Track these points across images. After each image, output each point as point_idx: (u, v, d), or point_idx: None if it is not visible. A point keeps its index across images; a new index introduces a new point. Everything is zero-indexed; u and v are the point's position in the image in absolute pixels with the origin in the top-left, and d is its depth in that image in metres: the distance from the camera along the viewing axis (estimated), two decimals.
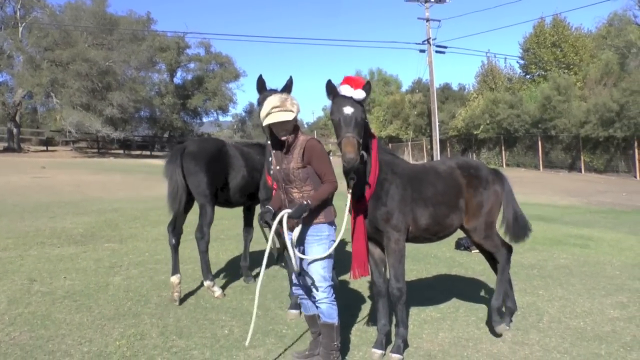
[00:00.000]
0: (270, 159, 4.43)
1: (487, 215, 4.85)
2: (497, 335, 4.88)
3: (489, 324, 5.04)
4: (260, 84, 5.02)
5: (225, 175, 5.87)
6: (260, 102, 4.73)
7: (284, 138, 3.97)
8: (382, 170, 4.29)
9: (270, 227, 4.00)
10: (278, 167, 4.07)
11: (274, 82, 5.15)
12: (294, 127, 3.99)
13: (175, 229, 5.80)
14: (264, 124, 3.95)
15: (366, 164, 4.19)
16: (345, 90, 3.98)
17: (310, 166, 3.94)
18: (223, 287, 6.24)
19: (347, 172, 3.98)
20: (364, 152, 4.02)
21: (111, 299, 5.68)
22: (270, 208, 4.12)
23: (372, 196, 4.23)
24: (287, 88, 4.94)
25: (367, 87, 4.01)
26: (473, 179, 4.82)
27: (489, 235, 4.91)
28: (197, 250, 7.87)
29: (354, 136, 3.85)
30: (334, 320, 4.05)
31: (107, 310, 5.35)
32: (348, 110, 3.94)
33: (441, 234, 4.81)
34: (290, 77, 4.99)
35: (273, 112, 3.87)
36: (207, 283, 5.88)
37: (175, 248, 5.76)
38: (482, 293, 6.34)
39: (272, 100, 3.92)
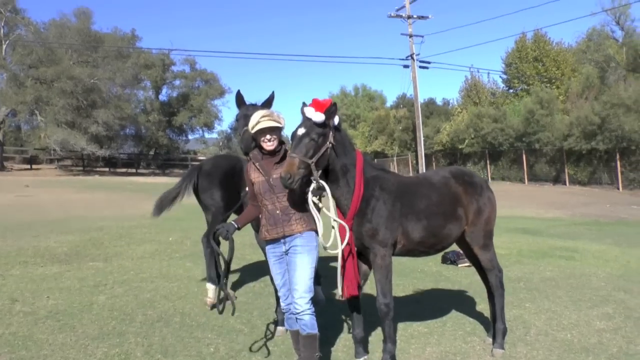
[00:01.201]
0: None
1: (486, 223, 4.87)
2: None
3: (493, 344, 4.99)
4: (239, 99, 5.03)
5: (237, 189, 6.05)
6: (240, 118, 4.73)
7: (269, 148, 4.10)
8: (369, 187, 4.29)
9: (229, 240, 4.18)
10: (265, 178, 4.11)
11: (259, 98, 5.14)
12: (279, 141, 4.15)
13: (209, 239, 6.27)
14: (254, 130, 4.08)
15: (348, 182, 4.21)
16: (308, 112, 4.05)
17: None
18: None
19: (285, 188, 3.94)
20: (318, 178, 4.00)
21: (95, 318, 5.60)
22: (234, 224, 4.23)
23: (357, 213, 4.24)
24: (268, 102, 4.95)
25: (330, 109, 4.02)
26: (468, 186, 4.84)
27: (487, 245, 4.92)
28: (183, 268, 7.93)
29: (298, 157, 3.89)
30: (316, 330, 4.11)
31: (90, 329, 5.26)
32: (300, 131, 4.02)
33: (439, 246, 4.81)
34: (272, 93, 5.02)
35: (262, 121, 4.05)
36: (208, 285, 6.11)
37: (211, 255, 6.15)
38: (469, 307, 6.34)
39: (260, 112, 4.13)
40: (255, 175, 4.19)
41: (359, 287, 4.48)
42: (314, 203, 4.09)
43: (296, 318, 4.10)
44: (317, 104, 4.03)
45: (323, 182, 4.06)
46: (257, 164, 4.18)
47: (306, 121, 4.03)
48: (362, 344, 4.59)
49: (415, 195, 4.57)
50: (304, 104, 4.14)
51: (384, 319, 4.38)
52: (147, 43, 53.84)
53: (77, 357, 4.59)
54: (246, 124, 4.44)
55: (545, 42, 41.14)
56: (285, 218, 4.09)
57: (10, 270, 7.65)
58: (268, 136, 4.08)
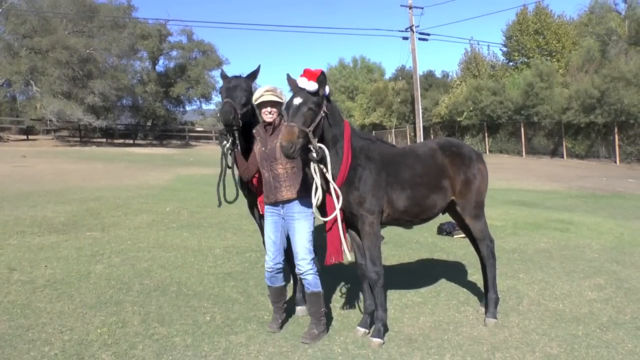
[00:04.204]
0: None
1: (476, 194, 4.88)
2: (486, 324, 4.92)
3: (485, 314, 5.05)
4: (224, 76, 4.93)
5: None
6: (222, 91, 4.69)
7: (268, 119, 4.45)
8: (356, 157, 4.36)
9: None
10: (263, 148, 4.47)
11: (250, 68, 5.07)
12: (279, 114, 4.49)
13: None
14: (257, 102, 4.47)
15: (337, 152, 4.27)
16: (301, 82, 4.12)
17: None
18: (205, 274, 6.23)
19: (286, 157, 4.03)
20: (317, 144, 4.09)
21: (92, 287, 5.65)
22: None
23: (345, 182, 4.30)
24: (253, 75, 4.92)
25: (320, 77, 4.10)
26: (455, 157, 4.84)
27: (478, 215, 4.94)
28: (179, 238, 8.01)
29: (296, 125, 3.96)
30: (320, 288, 4.48)
31: (88, 298, 5.32)
32: (296, 100, 4.08)
33: (423, 216, 4.82)
34: (259, 66, 5.00)
35: (265, 94, 4.40)
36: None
37: None
38: (464, 277, 6.41)
39: (265, 86, 4.47)
40: (257, 147, 4.57)
41: (363, 255, 4.54)
42: (315, 169, 4.19)
43: (300, 278, 4.53)
44: (309, 74, 4.12)
45: (324, 147, 4.14)
46: (258, 137, 4.55)
47: (301, 91, 4.09)
48: (369, 316, 4.67)
49: (400, 166, 4.61)
50: (289, 75, 4.26)
51: (374, 287, 4.45)
52: (143, 13, 53.24)
53: (74, 325, 4.65)
54: (227, 97, 4.58)
55: (547, 14, 40.64)
56: (277, 185, 4.43)
57: (8, 240, 7.70)
58: (269, 109, 4.43)
